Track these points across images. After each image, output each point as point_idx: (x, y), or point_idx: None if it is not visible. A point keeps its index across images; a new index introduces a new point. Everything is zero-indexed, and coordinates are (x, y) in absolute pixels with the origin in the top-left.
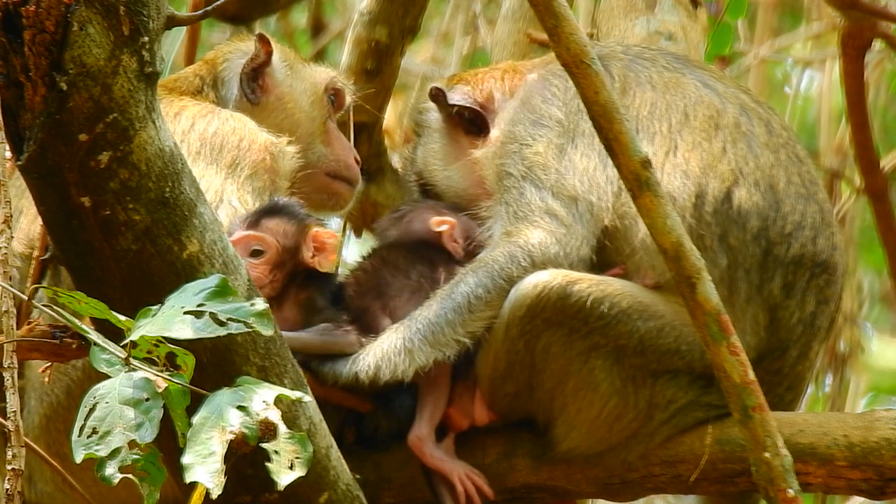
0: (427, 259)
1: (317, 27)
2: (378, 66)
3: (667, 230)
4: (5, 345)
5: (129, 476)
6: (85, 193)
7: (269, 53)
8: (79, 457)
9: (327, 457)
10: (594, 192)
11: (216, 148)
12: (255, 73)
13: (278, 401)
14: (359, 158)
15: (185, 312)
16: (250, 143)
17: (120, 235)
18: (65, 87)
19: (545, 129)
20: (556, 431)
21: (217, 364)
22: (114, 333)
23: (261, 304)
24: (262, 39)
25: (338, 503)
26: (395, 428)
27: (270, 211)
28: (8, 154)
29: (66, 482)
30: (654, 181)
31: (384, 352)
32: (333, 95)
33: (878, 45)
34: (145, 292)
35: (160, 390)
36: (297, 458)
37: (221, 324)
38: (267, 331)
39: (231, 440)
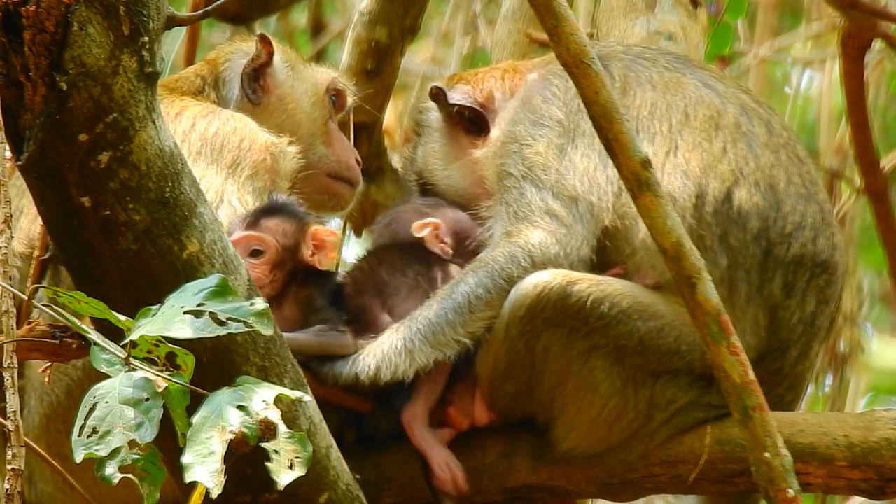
0: (422, 258)
1: (317, 27)
2: (378, 66)
3: (667, 230)
4: (5, 345)
5: (129, 476)
6: (85, 193)
7: (271, 54)
8: (79, 456)
9: (327, 457)
10: (594, 192)
11: (217, 148)
12: (257, 74)
13: (278, 400)
14: (360, 159)
15: (185, 312)
16: (251, 143)
17: (120, 235)
18: (65, 87)
19: (545, 128)
20: (556, 431)
21: (217, 364)
22: (114, 333)
23: (261, 303)
24: (264, 40)
25: (338, 503)
26: (395, 428)
27: (269, 210)
28: (8, 154)
29: (67, 482)
30: (655, 181)
31: (384, 352)
32: (335, 96)
33: (878, 45)
34: (145, 292)
35: (160, 390)
36: (296, 457)
37: (221, 323)
38: (267, 330)
39: (231, 440)
